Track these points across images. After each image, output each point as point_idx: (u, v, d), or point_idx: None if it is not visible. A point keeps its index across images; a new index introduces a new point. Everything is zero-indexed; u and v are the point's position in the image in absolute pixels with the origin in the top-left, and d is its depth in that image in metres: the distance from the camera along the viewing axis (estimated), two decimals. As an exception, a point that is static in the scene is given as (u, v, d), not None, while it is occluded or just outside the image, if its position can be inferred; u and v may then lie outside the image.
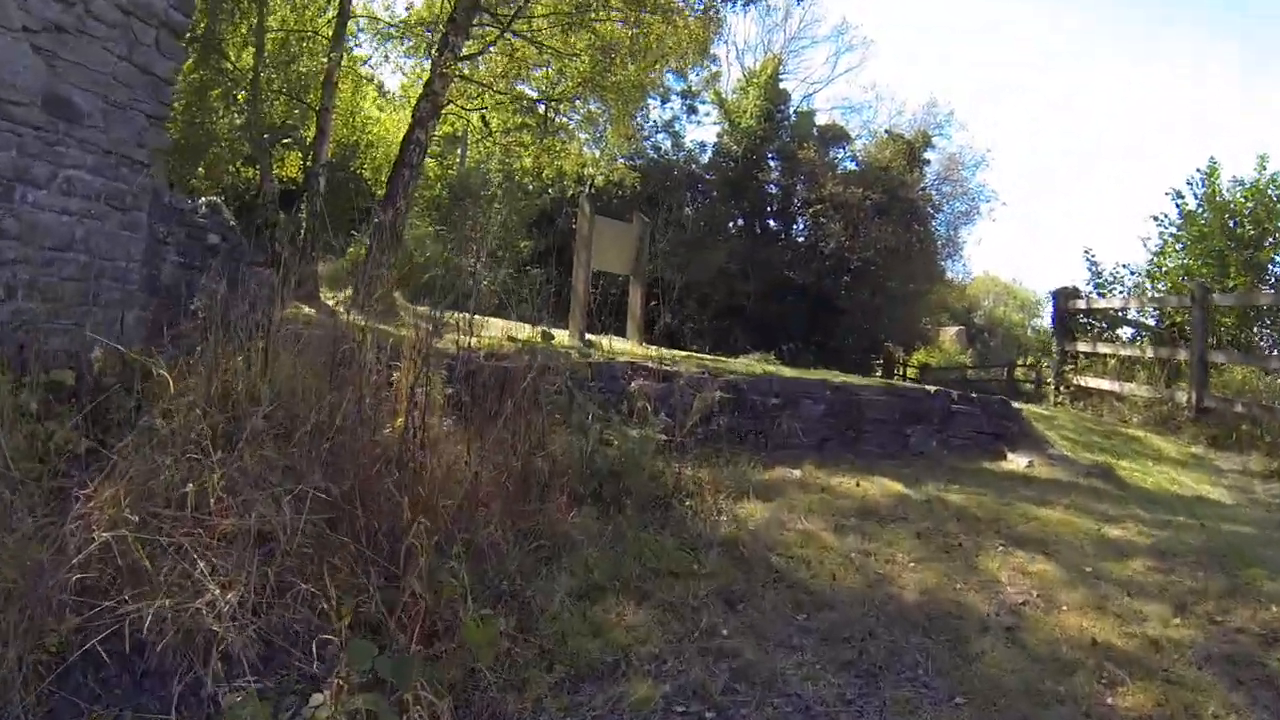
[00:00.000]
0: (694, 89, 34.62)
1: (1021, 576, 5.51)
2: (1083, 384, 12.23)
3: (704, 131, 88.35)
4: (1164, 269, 12.81)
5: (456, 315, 6.30)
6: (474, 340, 6.05)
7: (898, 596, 5.09)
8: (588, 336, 11.94)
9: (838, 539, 5.91)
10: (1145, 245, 13.48)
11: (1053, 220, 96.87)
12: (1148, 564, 5.88)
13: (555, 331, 12.36)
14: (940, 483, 7.56)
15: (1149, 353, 11.48)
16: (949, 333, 42.00)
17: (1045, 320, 62.45)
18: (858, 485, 7.24)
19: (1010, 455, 8.73)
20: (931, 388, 9.51)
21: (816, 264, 29.28)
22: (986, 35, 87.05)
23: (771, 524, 6.02)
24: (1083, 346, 12.46)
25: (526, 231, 27.22)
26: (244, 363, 4.55)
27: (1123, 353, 11.99)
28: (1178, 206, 12.98)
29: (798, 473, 7.40)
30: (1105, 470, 8.38)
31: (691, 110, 35.13)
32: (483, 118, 18.33)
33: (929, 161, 34.05)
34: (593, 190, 22.70)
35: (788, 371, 9.91)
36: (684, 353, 13.38)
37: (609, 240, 13.00)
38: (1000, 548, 6.00)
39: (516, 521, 4.94)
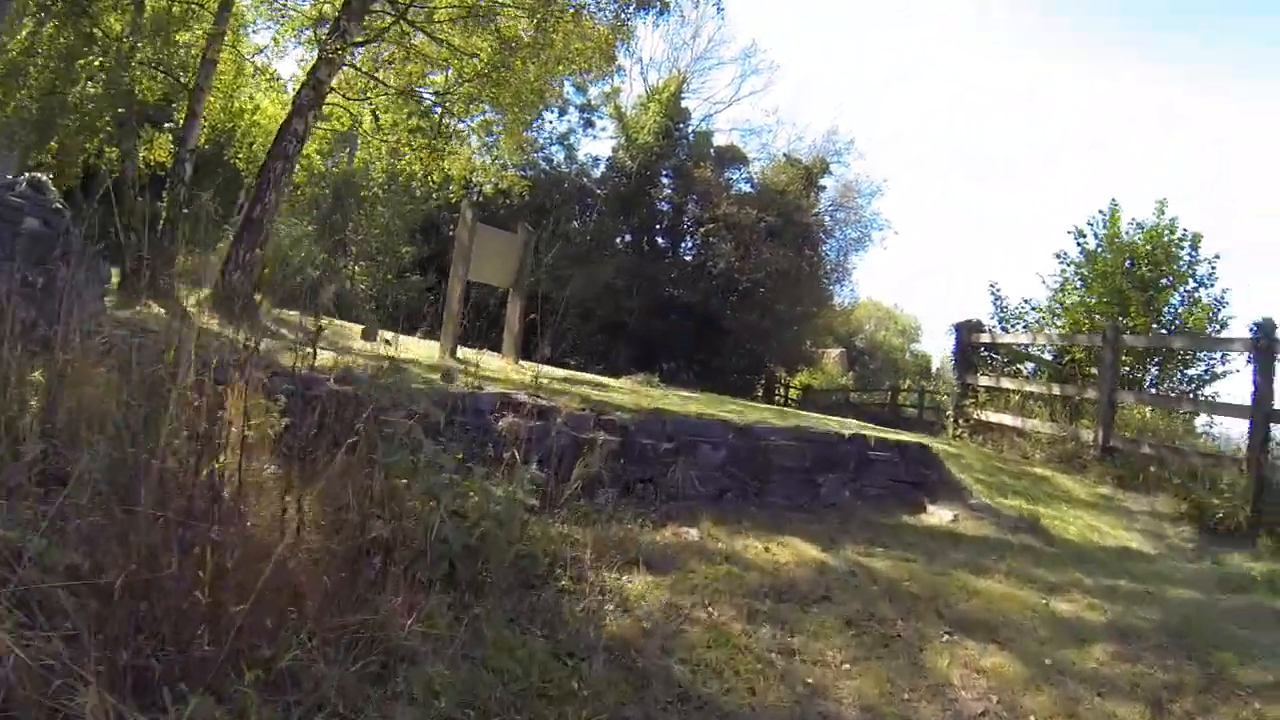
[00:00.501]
0: (593, 103, 33.95)
1: (976, 675, 4.65)
2: (984, 418, 11.68)
3: (600, 145, 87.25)
4: (1064, 305, 12.34)
5: (322, 322, 4.78)
6: (317, 358, 4.62)
7: (835, 715, 3.94)
8: (459, 353, 11.17)
9: (752, 631, 4.82)
10: (1045, 282, 13.04)
11: (943, 251, 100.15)
12: (1109, 650, 5.19)
13: (426, 344, 11.01)
14: (860, 545, 6.71)
15: (1055, 390, 10.93)
16: (832, 355, 42.23)
17: (924, 345, 63.97)
18: (767, 550, 6.23)
19: (931, 507, 7.97)
20: (847, 431, 8.61)
21: (704, 283, 28.85)
22: (897, 67, 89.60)
23: (669, 612, 4.88)
24: (985, 380, 11.88)
25: (410, 237, 26.29)
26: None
27: (1027, 389, 11.54)
28: (1079, 245, 12.59)
29: (695, 533, 6.35)
30: (1031, 523, 7.86)
31: (589, 124, 34.62)
32: (374, 114, 16.77)
33: (825, 187, 34.26)
34: (480, 198, 21.48)
35: (684, 407, 8.99)
36: (563, 372, 12.60)
37: (490, 250, 12.07)
38: (945, 637, 5.09)
39: (340, 622, 3.58)
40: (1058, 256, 12.86)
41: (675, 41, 44.08)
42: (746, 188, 32.86)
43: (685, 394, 11.96)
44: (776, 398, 33.94)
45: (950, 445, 11.15)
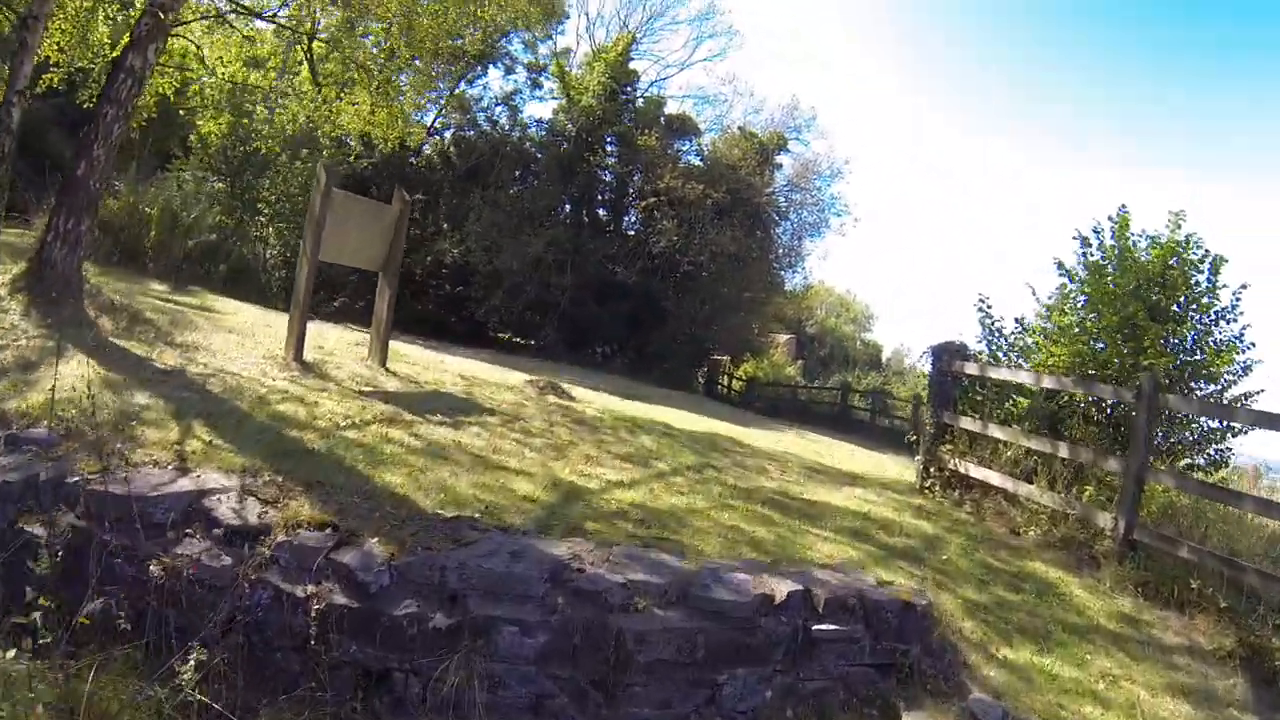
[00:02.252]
0: (541, 62, 31.37)
1: None
2: (963, 471, 9.27)
3: (548, 109, 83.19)
4: (1061, 326, 9.99)
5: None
6: None
7: None
8: (315, 349, 8.71)
9: None
10: (1036, 295, 10.60)
11: (902, 237, 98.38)
12: None
13: (324, 327, 8.71)
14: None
15: (1062, 451, 8.47)
16: (779, 341, 40.09)
17: (875, 334, 62.34)
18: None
19: (907, 716, 5.08)
20: (778, 595, 5.32)
21: (644, 262, 26.57)
22: (863, 48, 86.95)
23: None
24: (967, 423, 9.43)
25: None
26: None
27: (1026, 443, 8.84)
28: (1082, 254, 10.26)
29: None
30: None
31: (536, 84, 32.57)
32: (204, 57, 13.98)
33: (781, 165, 31.75)
34: (413, 160, 18.77)
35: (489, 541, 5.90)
36: (451, 368, 11.00)
37: (354, 224, 9.95)
38: None
39: None
40: (1057, 266, 10.37)
41: (626, -2, 40.80)
42: (696, 160, 30.54)
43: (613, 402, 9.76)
44: (719, 387, 31.80)
45: (919, 501, 9.05)
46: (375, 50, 14.64)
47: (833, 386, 32.28)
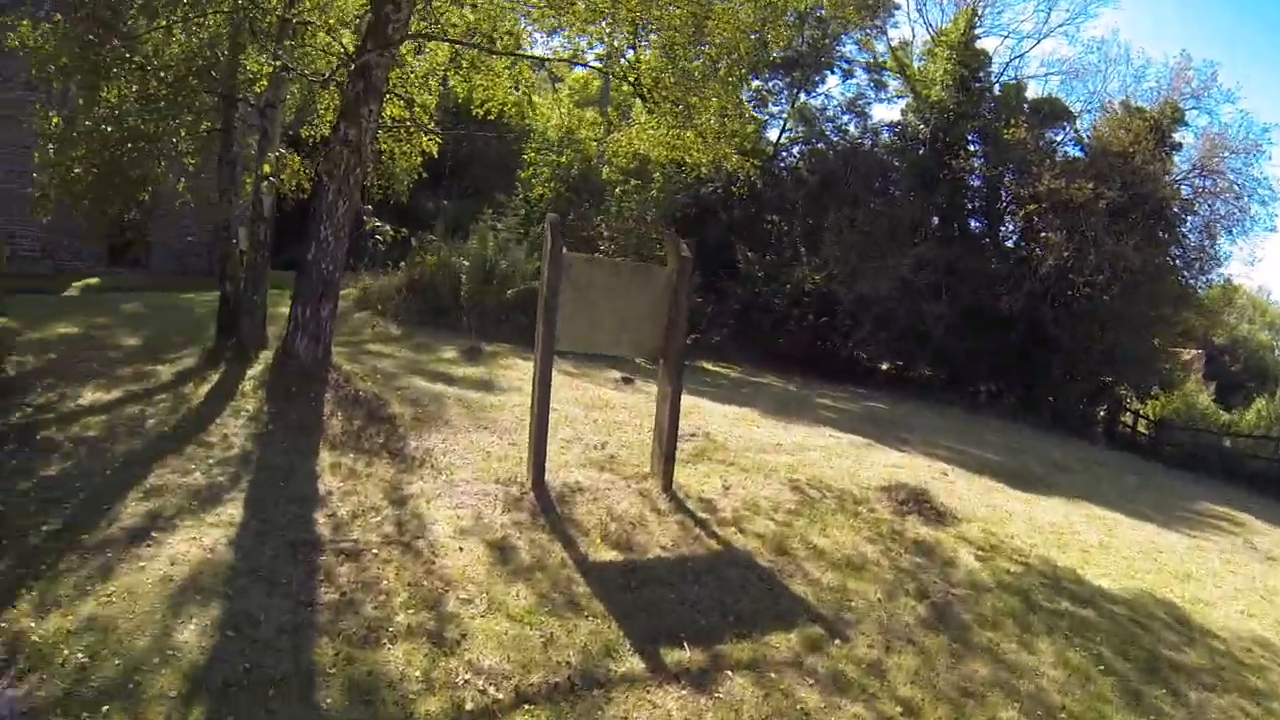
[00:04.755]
0: (881, 60, 28.06)
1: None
2: None
3: (896, 111, 76.20)
4: None
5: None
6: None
7: None
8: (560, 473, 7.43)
9: None
10: None
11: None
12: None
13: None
14: None
15: None
16: (1184, 357, 32.31)
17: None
18: None
19: None
20: None
21: (1029, 284, 21.61)
22: None
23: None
24: None
25: (672, 227, 22.23)
26: None
27: None
28: None
29: None
30: None
31: (879, 85, 29.10)
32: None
33: (1180, 146, 24.99)
34: (743, 182, 16.47)
35: None
36: (775, 485, 8.11)
37: (605, 297, 7.70)
38: None
39: None
40: None
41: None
42: (1075, 151, 25.15)
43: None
44: (1121, 427, 25.91)
45: None
46: (672, 67, 12.34)
47: (1272, 435, 24.82)
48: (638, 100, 16.22)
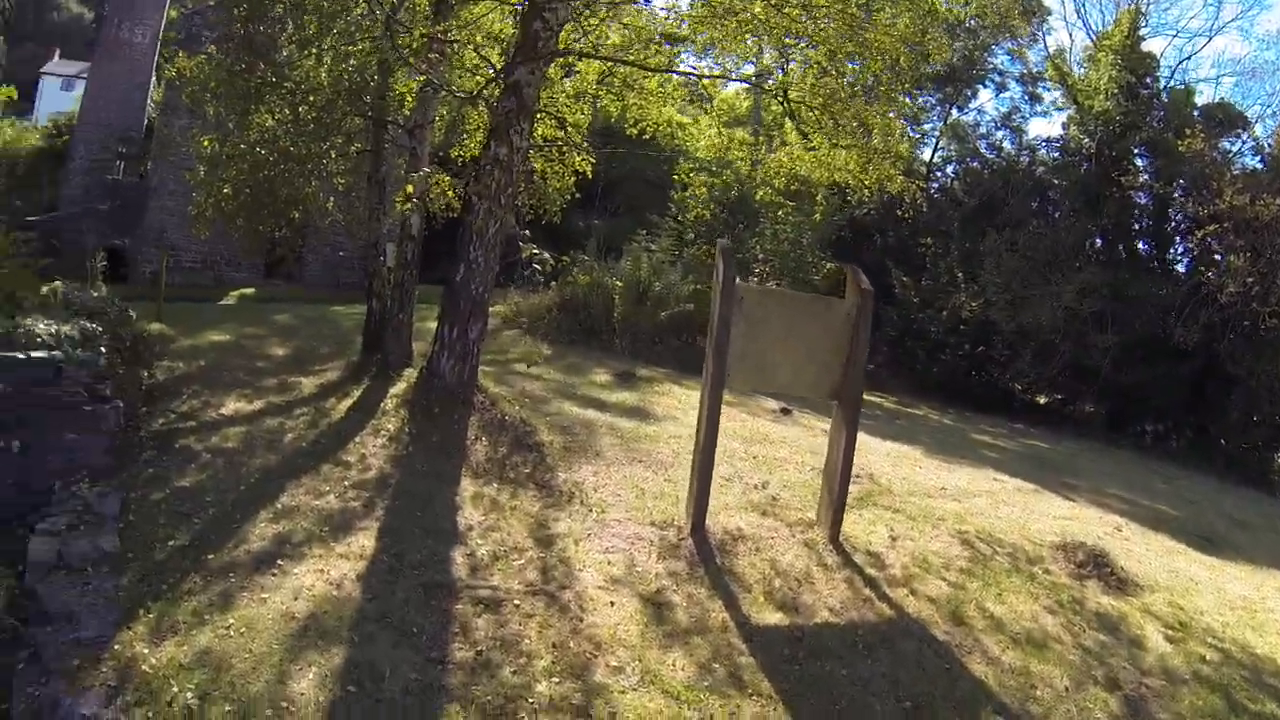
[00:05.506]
0: (1034, 71, 26.63)
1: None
2: None
3: (1053, 126, 71.43)
4: None
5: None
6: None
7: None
8: (720, 519, 6.81)
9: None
10: None
11: None
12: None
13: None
14: None
15: None
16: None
17: None
18: None
19: None
20: None
21: (1206, 313, 19.69)
22: None
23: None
24: None
25: (827, 250, 21.82)
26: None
27: None
28: None
29: None
30: None
31: (1034, 98, 27.34)
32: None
33: None
34: (908, 205, 15.64)
35: None
36: (946, 533, 7.50)
37: (779, 332, 7.04)
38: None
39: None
40: None
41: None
42: (1254, 162, 22.89)
43: None
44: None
45: None
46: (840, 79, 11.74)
47: None
48: (788, 120, 15.63)
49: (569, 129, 11.42)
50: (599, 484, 7.66)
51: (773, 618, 5.81)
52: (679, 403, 11.22)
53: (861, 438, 10.80)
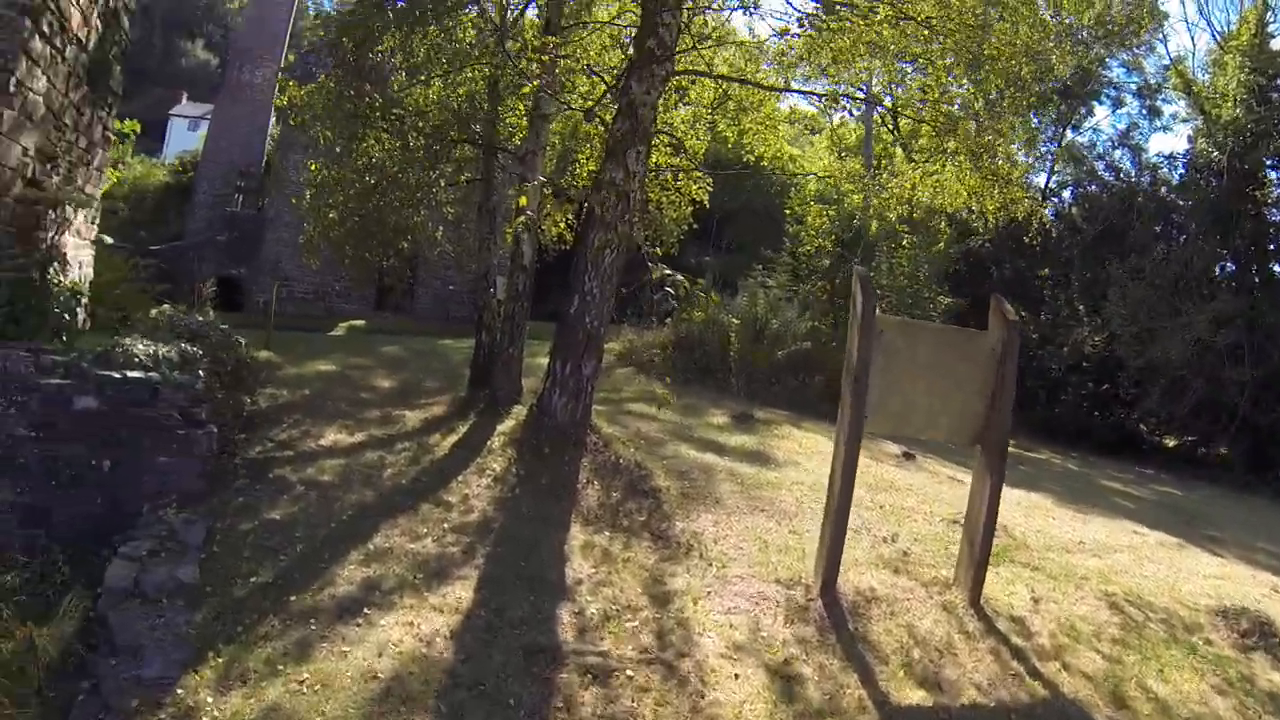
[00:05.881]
0: (1154, 83, 24.96)
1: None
2: None
3: (1175, 141, 67.54)
4: None
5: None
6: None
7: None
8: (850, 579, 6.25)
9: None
10: None
11: None
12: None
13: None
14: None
15: None
16: None
17: None
18: None
19: None
20: None
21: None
22: None
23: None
24: None
25: (944, 284, 20.90)
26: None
27: None
28: None
29: None
30: None
31: (1153, 112, 25.63)
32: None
33: None
34: (1035, 232, 14.80)
35: None
36: (1091, 594, 6.68)
37: (923, 369, 6.35)
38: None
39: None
40: None
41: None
42: (1404, 170, 20.97)
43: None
44: None
45: None
46: (952, 99, 11.13)
47: None
48: (898, 149, 15.00)
49: (685, 154, 11.08)
50: (719, 535, 7.07)
51: (914, 695, 5.12)
52: (799, 446, 10.56)
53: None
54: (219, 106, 28.89)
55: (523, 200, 8.59)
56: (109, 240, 10.50)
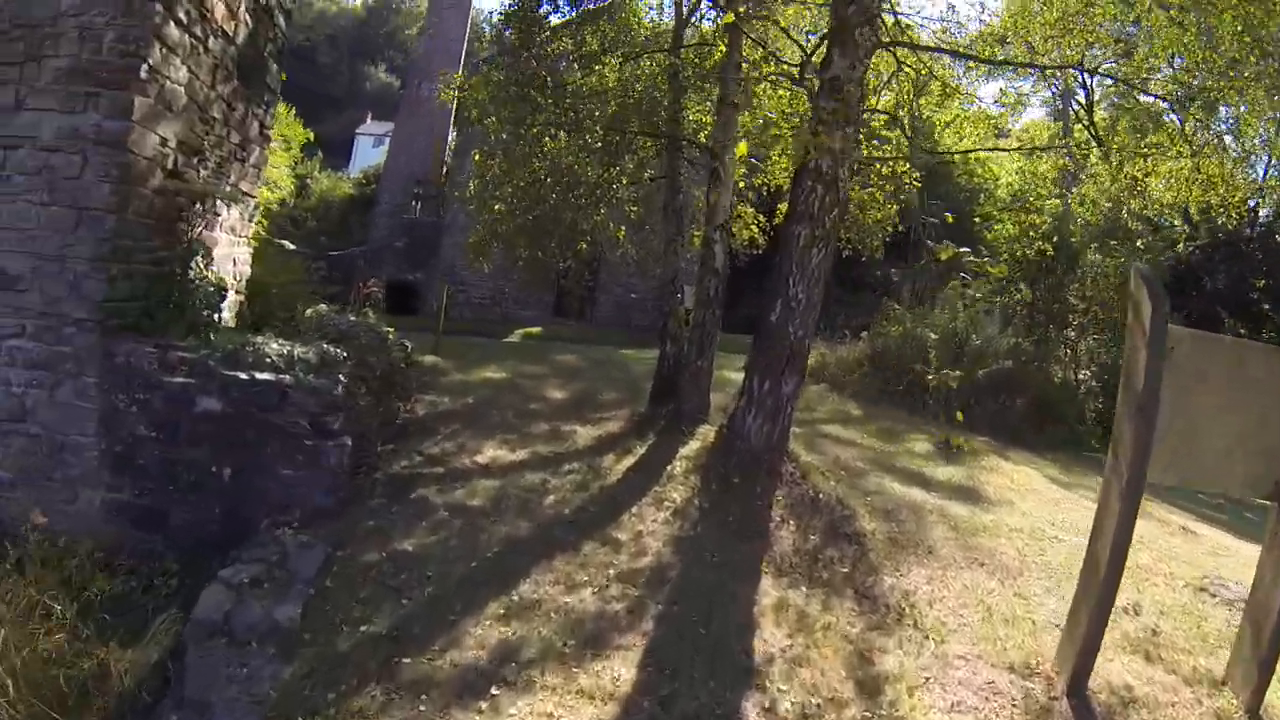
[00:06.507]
0: None
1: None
2: None
3: None
4: None
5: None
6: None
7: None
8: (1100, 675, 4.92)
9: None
10: None
11: None
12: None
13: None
14: None
15: None
16: None
17: None
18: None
19: None
20: None
21: None
22: None
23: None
24: None
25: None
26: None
27: None
28: None
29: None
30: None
31: None
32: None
33: None
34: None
35: None
36: None
37: (1218, 400, 4.77)
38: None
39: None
40: None
41: None
42: None
43: None
44: None
45: None
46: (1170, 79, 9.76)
47: None
48: (1094, 148, 13.40)
49: (899, 134, 10.02)
50: (934, 596, 5.75)
51: None
52: (1011, 482, 9.11)
53: (1238, 545, 8.35)
54: (399, 122, 29.74)
55: (715, 197, 7.76)
56: (290, 245, 10.37)
